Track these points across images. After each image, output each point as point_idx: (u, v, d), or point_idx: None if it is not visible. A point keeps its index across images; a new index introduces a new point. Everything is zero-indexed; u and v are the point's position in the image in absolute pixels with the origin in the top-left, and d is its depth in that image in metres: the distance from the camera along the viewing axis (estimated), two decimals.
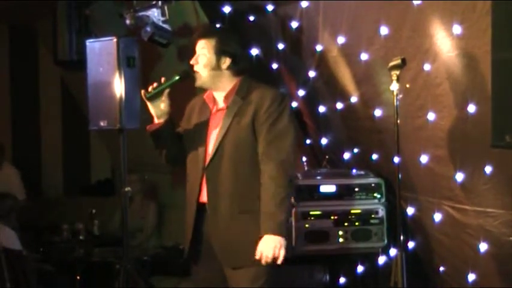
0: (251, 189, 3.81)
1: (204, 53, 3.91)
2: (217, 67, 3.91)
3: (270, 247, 3.72)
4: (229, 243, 3.84)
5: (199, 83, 3.95)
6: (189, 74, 3.95)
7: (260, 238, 3.75)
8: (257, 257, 3.74)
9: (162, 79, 3.94)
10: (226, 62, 3.91)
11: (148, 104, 3.99)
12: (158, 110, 3.97)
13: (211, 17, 6.11)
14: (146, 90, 3.97)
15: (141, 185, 7.55)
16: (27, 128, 9.23)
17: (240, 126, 3.84)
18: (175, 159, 4.11)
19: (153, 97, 3.95)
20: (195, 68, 3.94)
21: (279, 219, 3.74)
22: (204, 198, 3.91)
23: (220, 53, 3.90)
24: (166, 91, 3.94)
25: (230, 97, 3.91)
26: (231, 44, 3.95)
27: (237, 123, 3.85)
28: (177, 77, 3.94)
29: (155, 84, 3.95)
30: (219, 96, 3.96)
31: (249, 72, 4.03)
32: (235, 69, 3.93)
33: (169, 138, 4.02)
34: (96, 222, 7.27)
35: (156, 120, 4.01)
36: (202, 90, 4.05)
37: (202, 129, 3.96)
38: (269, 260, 3.73)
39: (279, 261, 3.75)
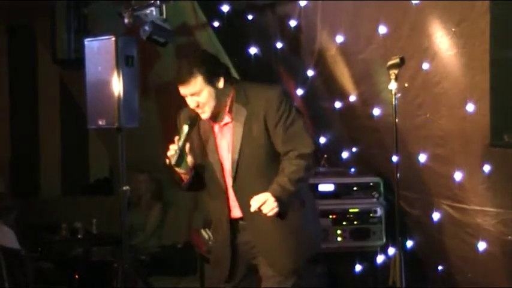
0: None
1: (198, 91, 3.71)
2: (216, 93, 3.74)
3: (261, 198, 3.59)
4: (272, 250, 3.80)
5: (208, 116, 3.78)
6: (197, 119, 3.78)
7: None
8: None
9: (176, 138, 3.74)
10: (221, 81, 3.75)
11: (176, 168, 3.81)
12: (186, 167, 3.82)
13: (209, 16, 6.11)
14: (168, 159, 3.75)
15: (148, 185, 7.55)
16: (26, 127, 9.22)
17: (254, 135, 3.74)
18: (198, 188, 4.03)
19: (179, 160, 3.75)
20: (200, 111, 3.76)
21: (287, 189, 3.64)
22: (234, 214, 3.85)
23: (212, 80, 3.72)
24: (187, 146, 3.76)
25: (232, 109, 3.79)
26: (214, 63, 3.78)
27: (249, 133, 3.75)
28: (186, 129, 3.73)
29: (173, 148, 3.73)
30: (220, 112, 3.82)
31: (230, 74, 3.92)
32: (229, 80, 3.81)
33: (197, 179, 3.92)
34: (94, 221, 7.27)
35: (184, 176, 3.88)
36: None
37: (211, 147, 3.86)
38: (255, 208, 3.60)
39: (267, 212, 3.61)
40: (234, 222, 3.87)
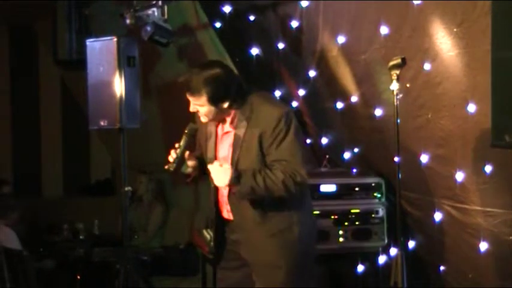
0: (276, 208, 3.79)
1: (200, 104, 3.77)
2: (219, 111, 3.78)
3: (221, 171, 3.64)
4: (261, 263, 3.85)
5: (206, 121, 3.87)
6: (196, 129, 3.89)
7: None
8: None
9: (176, 145, 3.83)
10: (225, 104, 3.77)
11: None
12: (187, 170, 3.90)
13: (211, 16, 6.12)
14: (167, 166, 3.83)
15: (149, 186, 7.56)
16: (28, 127, 9.23)
17: (250, 149, 3.76)
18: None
19: (178, 166, 3.83)
20: (200, 115, 3.83)
21: (255, 181, 3.65)
22: (224, 215, 3.95)
23: (216, 102, 3.75)
24: (186, 153, 3.84)
25: (235, 120, 3.82)
26: (223, 85, 3.75)
27: (247, 147, 3.77)
28: (186, 138, 3.84)
29: (173, 155, 3.82)
30: (223, 119, 3.88)
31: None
32: (238, 99, 3.79)
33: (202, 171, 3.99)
34: (96, 222, 7.28)
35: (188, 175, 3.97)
36: None
37: (211, 146, 3.93)
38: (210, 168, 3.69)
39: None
40: (224, 220, 3.96)
